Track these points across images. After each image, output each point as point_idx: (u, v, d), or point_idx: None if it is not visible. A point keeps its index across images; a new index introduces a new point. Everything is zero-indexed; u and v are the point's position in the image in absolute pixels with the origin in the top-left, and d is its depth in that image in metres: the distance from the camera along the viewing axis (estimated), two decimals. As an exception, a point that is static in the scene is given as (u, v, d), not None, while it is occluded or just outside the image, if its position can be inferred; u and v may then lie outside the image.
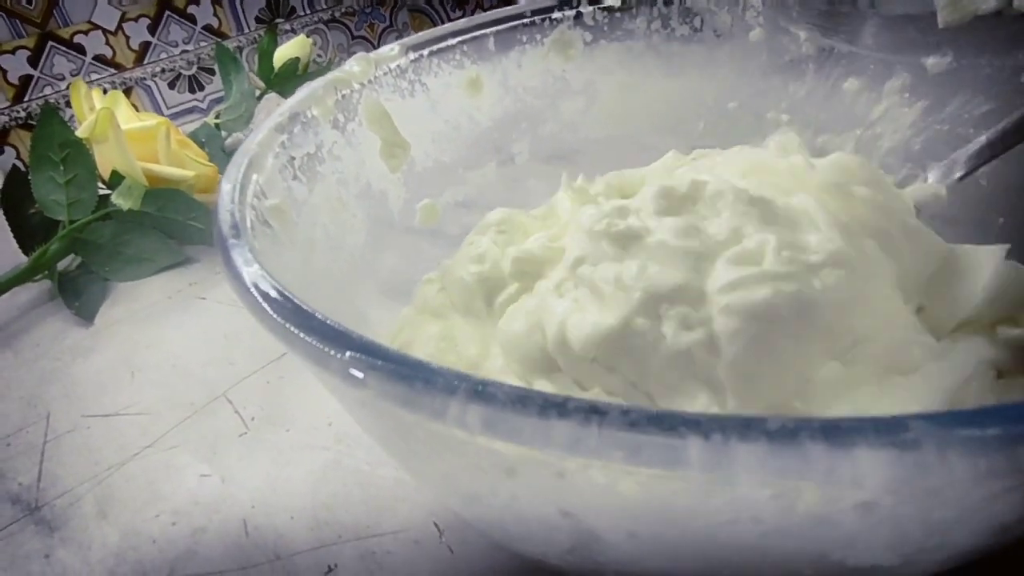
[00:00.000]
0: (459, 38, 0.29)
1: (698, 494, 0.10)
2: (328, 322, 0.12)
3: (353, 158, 0.25)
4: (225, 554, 0.25)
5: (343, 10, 0.85)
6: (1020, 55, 0.23)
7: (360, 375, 0.11)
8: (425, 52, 0.28)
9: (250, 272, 0.13)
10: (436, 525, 0.24)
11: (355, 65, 0.25)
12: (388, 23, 0.91)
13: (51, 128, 0.40)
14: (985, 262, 0.20)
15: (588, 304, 0.19)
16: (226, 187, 0.16)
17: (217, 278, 0.42)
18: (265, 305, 0.12)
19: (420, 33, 0.29)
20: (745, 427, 0.08)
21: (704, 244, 0.18)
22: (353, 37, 0.88)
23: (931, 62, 0.26)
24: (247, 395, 0.32)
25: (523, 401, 0.09)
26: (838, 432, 0.08)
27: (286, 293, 0.13)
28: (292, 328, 0.12)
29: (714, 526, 0.11)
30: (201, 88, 0.73)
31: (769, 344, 0.17)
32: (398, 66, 0.28)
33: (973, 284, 0.20)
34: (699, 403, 0.17)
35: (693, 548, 0.12)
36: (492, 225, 0.26)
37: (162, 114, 0.71)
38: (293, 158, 0.21)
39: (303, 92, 0.23)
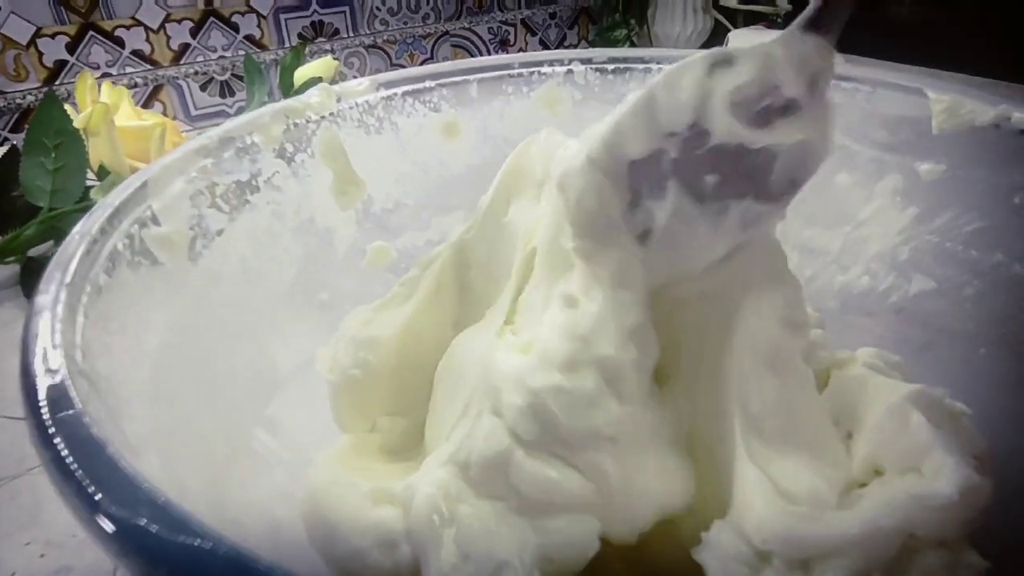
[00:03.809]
0: (438, 80, 0.28)
1: None
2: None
3: (297, 190, 0.24)
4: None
5: (385, 37, 0.86)
6: (1016, 174, 0.21)
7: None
8: (399, 91, 0.28)
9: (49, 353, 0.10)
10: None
11: (315, 95, 0.24)
12: (429, 55, 0.92)
13: (50, 114, 0.40)
14: (884, 398, 0.17)
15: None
16: (94, 215, 0.15)
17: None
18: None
19: (395, 71, 0.28)
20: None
21: None
22: (391, 64, 0.89)
23: (925, 168, 0.25)
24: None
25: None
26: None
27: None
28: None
29: None
30: (232, 94, 0.75)
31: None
32: (366, 101, 0.27)
33: (869, 418, 0.17)
34: None
35: None
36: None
37: (189, 115, 0.72)
38: (215, 184, 0.20)
39: (246, 117, 0.22)
